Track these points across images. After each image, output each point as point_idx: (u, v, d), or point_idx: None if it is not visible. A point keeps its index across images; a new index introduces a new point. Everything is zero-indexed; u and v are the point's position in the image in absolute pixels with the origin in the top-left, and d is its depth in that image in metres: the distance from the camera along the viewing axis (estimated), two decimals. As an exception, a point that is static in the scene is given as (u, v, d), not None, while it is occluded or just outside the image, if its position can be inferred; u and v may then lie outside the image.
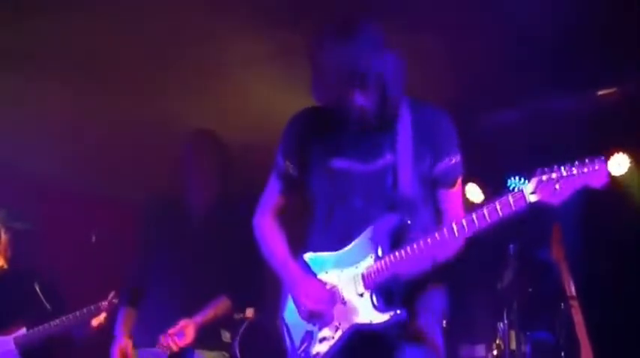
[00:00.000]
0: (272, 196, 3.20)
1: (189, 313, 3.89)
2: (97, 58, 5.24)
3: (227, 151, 4.23)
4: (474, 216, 2.71)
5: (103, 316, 4.90)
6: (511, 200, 2.66)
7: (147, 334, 3.94)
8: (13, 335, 4.83)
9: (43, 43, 4.99)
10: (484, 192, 5.62)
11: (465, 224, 2.72)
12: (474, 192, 6.07)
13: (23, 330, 4.85)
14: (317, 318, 2.93)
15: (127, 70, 5.38)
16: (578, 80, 5.50)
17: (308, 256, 3.05)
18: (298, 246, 3.12)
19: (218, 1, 4.65)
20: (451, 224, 2.75)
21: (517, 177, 6.21)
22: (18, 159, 6.28)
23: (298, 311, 2.98)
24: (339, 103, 2.87)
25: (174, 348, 3.82)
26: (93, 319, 4.93)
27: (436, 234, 2.76)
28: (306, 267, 3.03)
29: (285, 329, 3.06)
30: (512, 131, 5.95)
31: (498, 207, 2.67)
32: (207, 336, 3.92)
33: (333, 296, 2.92)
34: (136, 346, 3.97)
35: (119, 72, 5.40)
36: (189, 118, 4.29)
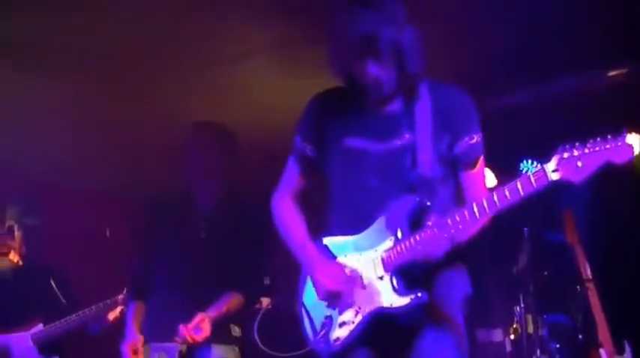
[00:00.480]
0: (291, 178, 3.18)
1: (199, 308, 3.88)
2: (97, 55, 5.22)
3: (235, 143, 4.16)
4: (494, 195, 2.68)
5: (119, 309, 4.93)
6: (532, 178, 2.63)
7: (158, 329, 3.94)
8: (30, 331, 4.85)
9: (42, 42, 4.97)
10: (497, 176, 5.59)
11: (485, 204, 2.69)
12: (488, 177, 6.06)
13: (40, 326, 4.86)
14: (335, 300, 2.91)
15: (128, 66, 5.35)
16: (589, 61, 5.46)
17: (327, 239, 3.03)
18: (318, 228, 3.09)
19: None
20: (472, 204, 2.72)
21: (530, 161, 6.22)
22: (20, 158, 6.30)
23: (317, 293, 2.96)
24: (353, 74, 2.84)
25: (191, 341, 3.82)
26: (109, 313, 4.96)
27: (456, 215, 2.73)
28: (324, 249, 3.01)
29: (304, 314, 3.04)
30: (523, 114, 5.92)
31: (519, 186, 2.64)
32: (218, 331, 3.90)
33: (352, 279, 2.89)
34: (146, 340, 3.97)
35: (120, 69, 5.37)
36: (193, 114, 4.24)
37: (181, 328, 3.81)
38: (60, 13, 4.63)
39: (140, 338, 3.96)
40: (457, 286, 2.96)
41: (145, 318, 4.05)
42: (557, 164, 2.60)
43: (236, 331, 4.05)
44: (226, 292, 3.98)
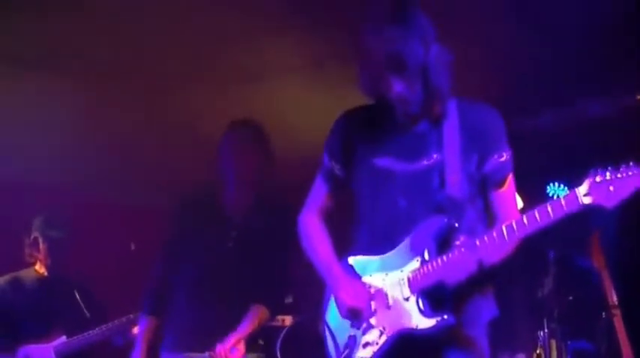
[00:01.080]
0: (318, 196, 3.18)
1: (224, 319, 3.85)
2: (125, 69, 5.26)
3: (271, 144, 4.03)
4: (524, 218, 2.67)
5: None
6: (563, 201, 2.62)
7: (182, 339, 3.91)
8: (53, 343, 4.86)
9: (64, 47, 5.01)
10: (523, 198, 5.58)
11: (515, 226, 2.68)
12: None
13: (63, 338, 4.88)
14: (357, 317, 2.89)
15: (153, 74, 5.40)
16: (617, 84, 5.44)
17: (352, 259, 3.01)
18: (343, 246, 3.09)
19: (253, 7, 4.64)
20: (501, 227, 2.71)
21: (556, 183, 6.18)
22: (42, 171, 6.36)
23: (339, 311, 2.94)
24: (381, 92, 2.84)
25: None
26: (133, 327, 4.96)
27: (485, 237, 2.72)
28: (350, 269, 2.99)
29: (327, 333, 3.02)
30: (551, 137, 5.90)
31: (550, 209, 2.63)
32: (249, 341, 3.90)
33: (377, 299, 2.88)
34: (168, 350, 3.94)
35: (146, 76, 5.41)
36: (217, 123, 4.19)
37: (219, 347, 3.78)
38: (83, 14, 4.64)
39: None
40: (484, 309, 2.94)
41: (168, 328, 4.00)
42: (589, 188, 2.59)
43: (260, 341, 4.02)
44: (252, 304, 3.92)
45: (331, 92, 5.09)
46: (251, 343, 3.93)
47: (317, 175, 3.18)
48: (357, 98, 3.02)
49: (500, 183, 2.95)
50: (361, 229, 3.04)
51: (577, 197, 2.60)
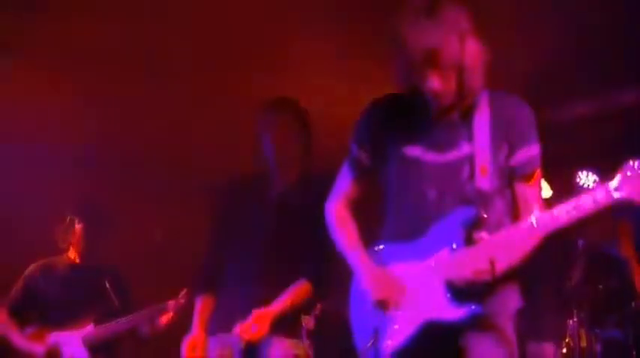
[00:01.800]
0: (345, 184, 3.17)
1: (267, 297, 3.71)
2: (163, 55, 5.29)
3: (309, 120, 3.96)
4: (554, 211, 2.65)
5: (170, 314, 4.94)
6: (594, 196, 2.60)
7: (223, 320, 3.79)
8: (81, 331, 4.89)
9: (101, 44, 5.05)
10: (552, 187, 5.54)
11: (545, 219, 2.67)
12: (543, 188, 6.00)
13: (91, 326, 4.90)
14: (385, 308, 2.88)
15: (190, 67, 5.42)
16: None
17: (380, 246, 3.01)
18: (371, 234, 3.08)
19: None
20: (529, 219, 2.69)
21: (586, 172, 6.13)
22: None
23: (366, 301, 2.93)
24: (415, 85, 2.82)
25: (247, 339, 3.65)
26: (161, 317, 4.98)
27: (513, 229, 2.72)
28: (377, 257, 2.98)
29: (355, 319, 3.02)
30: (581, 125, 5.86)
31: (581, 203, 2.61)
32: (286, 323, 3.71)
33: (403, 288, 2.87)
34: (212, 333, 3.83)
35: (182, 68, 5.45)
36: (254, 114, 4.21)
37: (237, 327, 3.67)
38: (124, 13, 4.67)
39: (200, 335, 3.82)
40: (510, 299, 2.92)
41: (215, 309, 3.90)
42: (621, 182, 2.57)
43: (307, 320, 3.76)
44: (294, 280, 3.78)
45: (363, 83, 5.08)
46: (291, 327, 3.73)
47: (344, 163, 3.17)
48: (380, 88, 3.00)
49: (528, 177, 2.92)
50: (390, 217, 3.03)
51: (608, 191, 2.58)
